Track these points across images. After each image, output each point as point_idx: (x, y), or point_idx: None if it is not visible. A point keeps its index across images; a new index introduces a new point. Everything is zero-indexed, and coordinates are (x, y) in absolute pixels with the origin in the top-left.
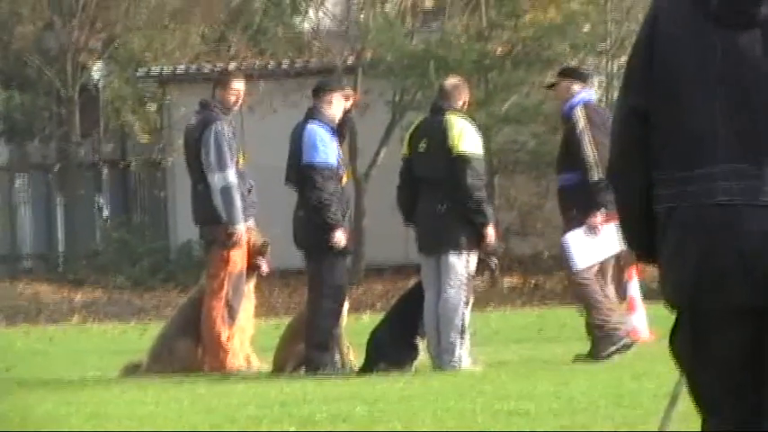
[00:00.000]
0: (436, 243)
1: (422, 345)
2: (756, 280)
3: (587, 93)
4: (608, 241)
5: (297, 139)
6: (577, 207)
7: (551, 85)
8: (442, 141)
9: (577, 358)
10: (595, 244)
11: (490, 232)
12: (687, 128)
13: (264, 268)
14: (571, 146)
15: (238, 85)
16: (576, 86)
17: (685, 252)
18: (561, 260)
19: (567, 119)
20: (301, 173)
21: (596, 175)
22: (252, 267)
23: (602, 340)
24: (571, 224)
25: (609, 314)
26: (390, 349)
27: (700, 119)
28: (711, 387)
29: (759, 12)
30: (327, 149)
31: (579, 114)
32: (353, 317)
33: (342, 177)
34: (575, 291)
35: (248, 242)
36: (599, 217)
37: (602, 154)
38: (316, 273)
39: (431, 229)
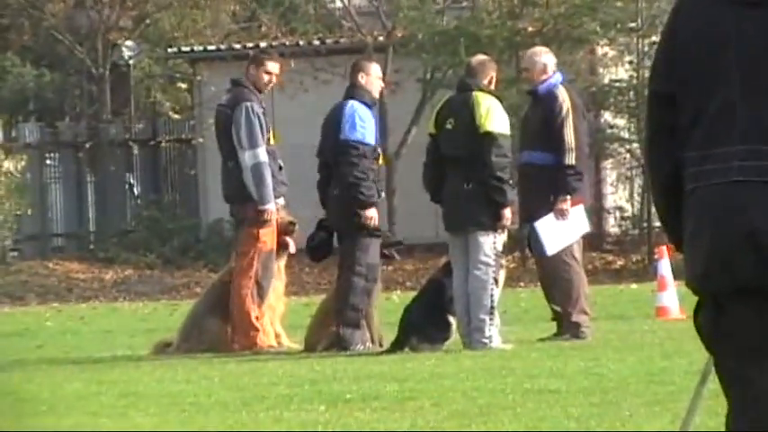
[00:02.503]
0: (462, 222)
1: (453, 323)
2: (766, 258)
3: (559, 71)
4: (577, 224)
5: (335, 116)
6: (549, 189)
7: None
8: (469, 119)
9: (542, 340)
10: (565, 228)
11: (507, 213)
12: (707, 110)
13: (292, 247)
14: (549, 126)
15: (273, 67)
16: (551, 67)
17: (701, 233)
18: (533, 244)
19: (545, 97)
20: (338, 149)
21: (571, 159)
22: (280, 247)
23: (569, 326)
24: (540, 206)
25: (577, 309)
26: (424, 326)
27: (719, 101)
28: (732, 366)
29: None
30: (366, 127)
31: (562, 95)
32: (384, 295)
33: (378, 157)
34: (549, 272)
35: (276, 220)
36: (568, 201)
37: (578, 138)
38: (348, 251)
39: (457, 207)
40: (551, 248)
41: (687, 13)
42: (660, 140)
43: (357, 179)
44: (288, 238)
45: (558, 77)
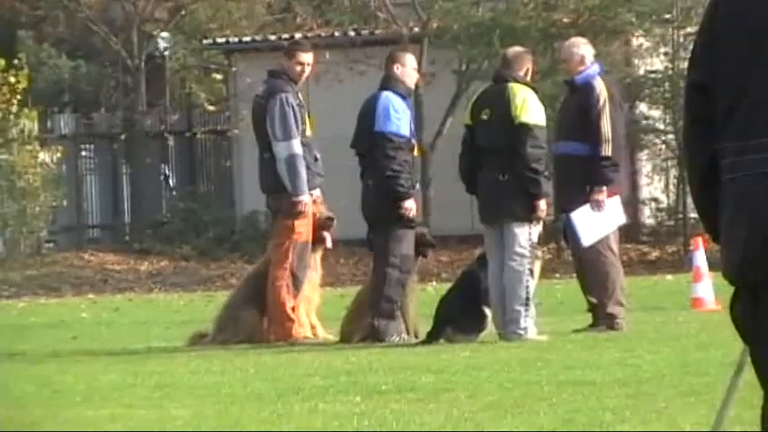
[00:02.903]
0: (497, 213)
1: (489, 314)
2: None
3: (596, 63)
4: (613, 215)
5: (371, 107)
6: (585, 180)
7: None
8: (504, 110)
9: (577, 331)
10: (601, 219)
11: (542, 205)
12: (745, 100)
13: (329, 242)
14: (586, 116)
15: (306, 57)
16: (589, 56)
17: (739, 223)
18: (569, 235)
19: (582, 88)
20: (373, 141)
21: (608, 150)
22: (317, 240)
23: (604, 318)
24: (576, 197)
25: (612, 301)
26: (459, 317)
27: (756, 91)
28: None
29: None
30: (401, 119)
31: (599, 86)
32: (419, 287)
33: (413, 148)
34: (586, 264)
35: (314, 213)
36: (604, 192)
37: (614, 129)
38: (383, 242)
39: (492, 198)
40: (587, 239)
41: (726, 3)
42: (698, 131)
43: (394, 171)
44: (325, 233)
45: (595, 68)
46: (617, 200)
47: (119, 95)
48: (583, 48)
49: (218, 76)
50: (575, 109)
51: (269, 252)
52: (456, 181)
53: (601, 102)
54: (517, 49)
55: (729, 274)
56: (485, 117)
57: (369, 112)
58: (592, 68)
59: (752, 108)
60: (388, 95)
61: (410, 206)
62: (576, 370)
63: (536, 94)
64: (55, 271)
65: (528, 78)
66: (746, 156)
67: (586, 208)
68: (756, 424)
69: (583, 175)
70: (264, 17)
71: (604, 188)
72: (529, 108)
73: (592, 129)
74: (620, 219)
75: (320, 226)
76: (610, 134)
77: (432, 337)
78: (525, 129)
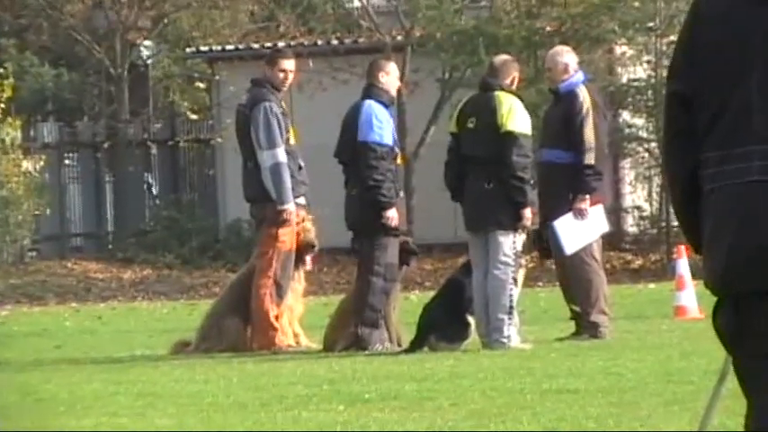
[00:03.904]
0: (483, 221)
1: (473, 323)
2: None
3: (580, 71)
4: (596, 223)
5: (353, 116)
6: (568, 188)
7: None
8: (490, 119)
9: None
10: (584, 227)
11: (527, 213)
12: (726, 109)
13: (309, 265)
14: (570, 125)
15: (288, 65)
16: (573, 65)
17: (720, 233)
18: (550, 244)
19: (566, 97)
20: (356, 150)
21: (591, 158)
22: (298, 259)
23: (588, 326)
24: (559, 205)
25: (596, 310)
26: (443, 325)
27: (737, 100)
28: (751, 366)
29: None
30: (383, 128)
31: (583, 95)
32: (402, 295)
33: (396, 156)
34: (569, 272)
35: (298, 232)
36: (587, 201)
37: (598, 138)
38: (367, 251)
39: (477, 207)
40: (570, 248)
41: (705, 13)
42: (679, 142)
43: (376, 181)
44: (307, 257)
45: (579, 77)
46: (600, 208)
47: (102, 104)
48: (567, 56)
49: (202, 85)
50: (558, 117)
51: (252, 260)
52: (439, 189)
53: (584, 110)
54: (504, 57)
55: (712, 284)
56: (471, 125)
57: (352, 121)
58: (576, 77)
59: (735, 117)
60: (370, 104)
61: (392, 215)
62: (559, 378)
63: (522, 103)
64: (38, 279)
65: (514, 87)
66: (729, 165)
67: (569, 216)
68: None
69: (566, 183)
70: (247, 25)
71: (587, 196)
72: (515, 117)
73: (575, 137)
74: (604, 227)
75: (304, 249)
76: (593, 143)
77: (415, 346)
78: (511, 137)
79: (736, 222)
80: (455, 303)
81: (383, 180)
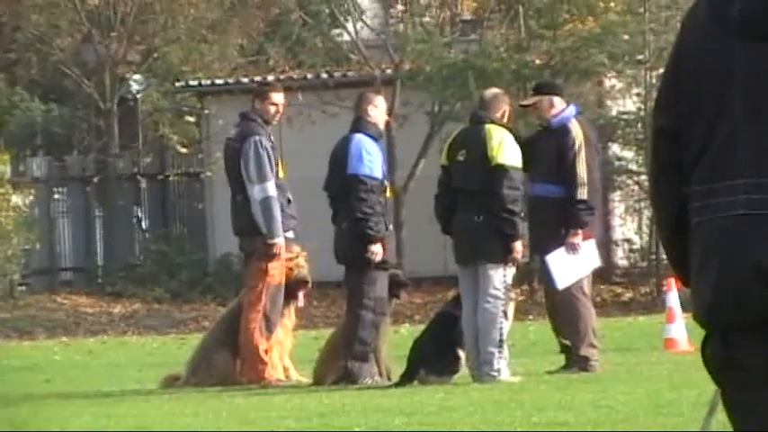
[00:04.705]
0: (473, 254)
1: (463, 356)
2: None
3: (572, 105)
4: (588, 258)
5: (342, 149)
6: (559, 222)
7: (527, 105)
8: (481, 152)
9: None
10: (576, 262)
11: (518, 246)
12: (712, 141)
13: (301, 302)
14: (562, 159)
15: (277, 98)
16: (557, 100)
17: (708, 267)
18: (543, 277)
19: (558, 131)
20: (345, 183)
21: (584, 193)
22: (289, 296)
23: (577, 360)
24: (550, 239)
25: (585, 344)
26: (433, 358)
27: (722, 134)
28: (740, 398)
29: None
30: (374, 161)
31: (575, 128)
32: (392, 329)
33: (385, 190)
34: (558, 305)
35: (288, 268)
36: (580, 235)
37: (590, 173)
38: (356, 285)
39: (468, 239)
40: (562, 283)
41: (690, 47)
42: (666, 178)
43: (365, 214)
44: (299, 292)
45: (571, 110)
46: (592, 243)
47: (91, 138)
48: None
49: (191, 119)
50: (550, 151)
51: (242, 294)
52: (429, 222)
53: (576, 145)
54: (494, 90)
55: (700, 317)
56: (461, 158)
57: (341, 155)
58: (568, 110)
59: (719, 150)
60: (360, 138)
61: (377, 250)
62: (549, 411)
63: (513, 136)
64: (28, 314)
65: (505, 120)
66: (715, 199)
67: (562, 251)
68: None
69: (557, 218)
70: (237, 59)
71: (580, 231)
72: (505, 150)
73: (567, 171)
74: (595, 262)
75: (295, 284)
76: (586, 177)
77: (405, 379)
78: (502, 170)
79: (723, 256)
80: (445, 337)
81: (372, 213)
